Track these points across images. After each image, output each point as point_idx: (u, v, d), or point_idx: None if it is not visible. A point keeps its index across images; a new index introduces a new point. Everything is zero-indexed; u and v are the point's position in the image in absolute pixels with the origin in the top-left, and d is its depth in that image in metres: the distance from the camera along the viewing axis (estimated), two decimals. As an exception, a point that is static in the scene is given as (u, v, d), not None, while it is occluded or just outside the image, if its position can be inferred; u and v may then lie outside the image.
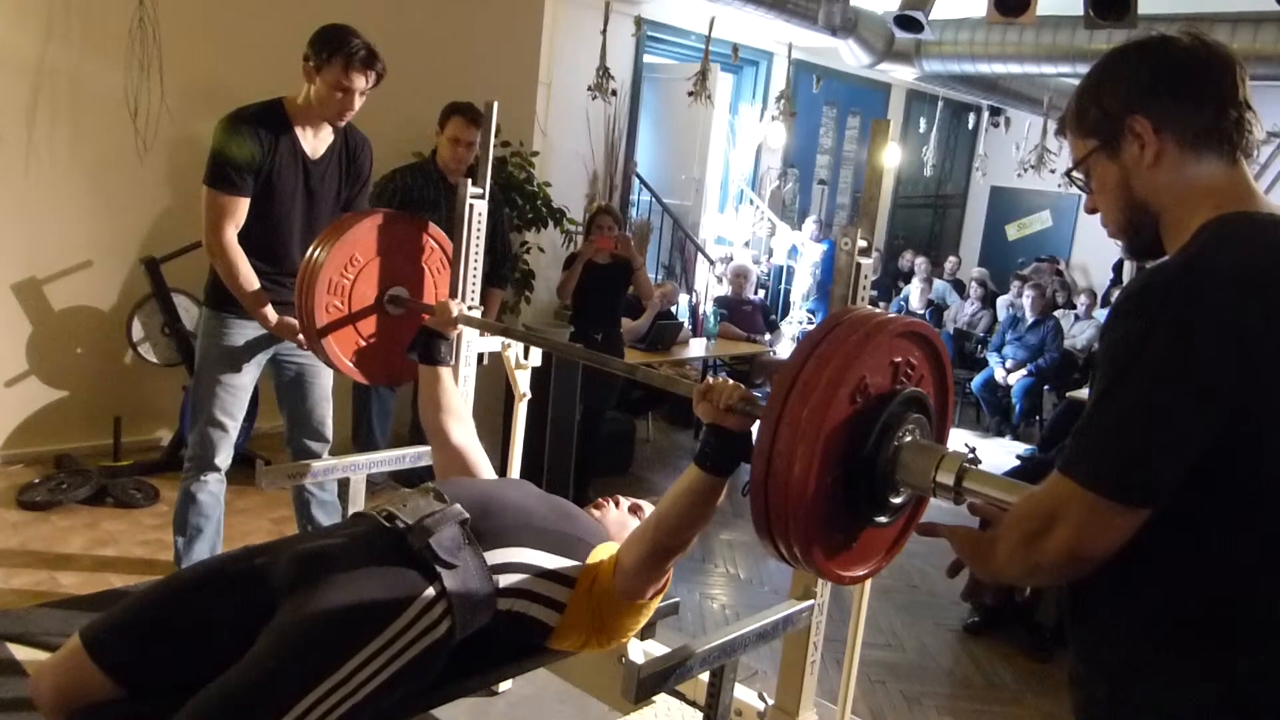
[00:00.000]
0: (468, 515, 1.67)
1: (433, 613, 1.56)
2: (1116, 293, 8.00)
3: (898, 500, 1.36)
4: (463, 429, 2.12)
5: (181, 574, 1.79)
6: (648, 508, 2.03)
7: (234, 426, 2.68)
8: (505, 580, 1.67)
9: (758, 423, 1.42)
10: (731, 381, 1.54)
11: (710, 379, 1.57)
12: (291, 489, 2.80)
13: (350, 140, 2.65)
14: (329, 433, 2.82)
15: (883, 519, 1.37)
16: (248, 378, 2.65)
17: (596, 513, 1.94)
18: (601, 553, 1.78)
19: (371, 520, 1.71)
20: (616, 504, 1.99)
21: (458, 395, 2.21)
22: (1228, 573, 1.00)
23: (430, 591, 1.57)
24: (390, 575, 1.57)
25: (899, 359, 1.37)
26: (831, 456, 1.26)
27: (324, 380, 2.76)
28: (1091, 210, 1.17)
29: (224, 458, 2.68)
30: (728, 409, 1.50)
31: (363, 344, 2.37)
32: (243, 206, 2.48)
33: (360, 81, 2.43)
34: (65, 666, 1.52)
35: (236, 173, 2.45)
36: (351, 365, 2.36)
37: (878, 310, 1.43)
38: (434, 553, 1.59)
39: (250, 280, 2.50)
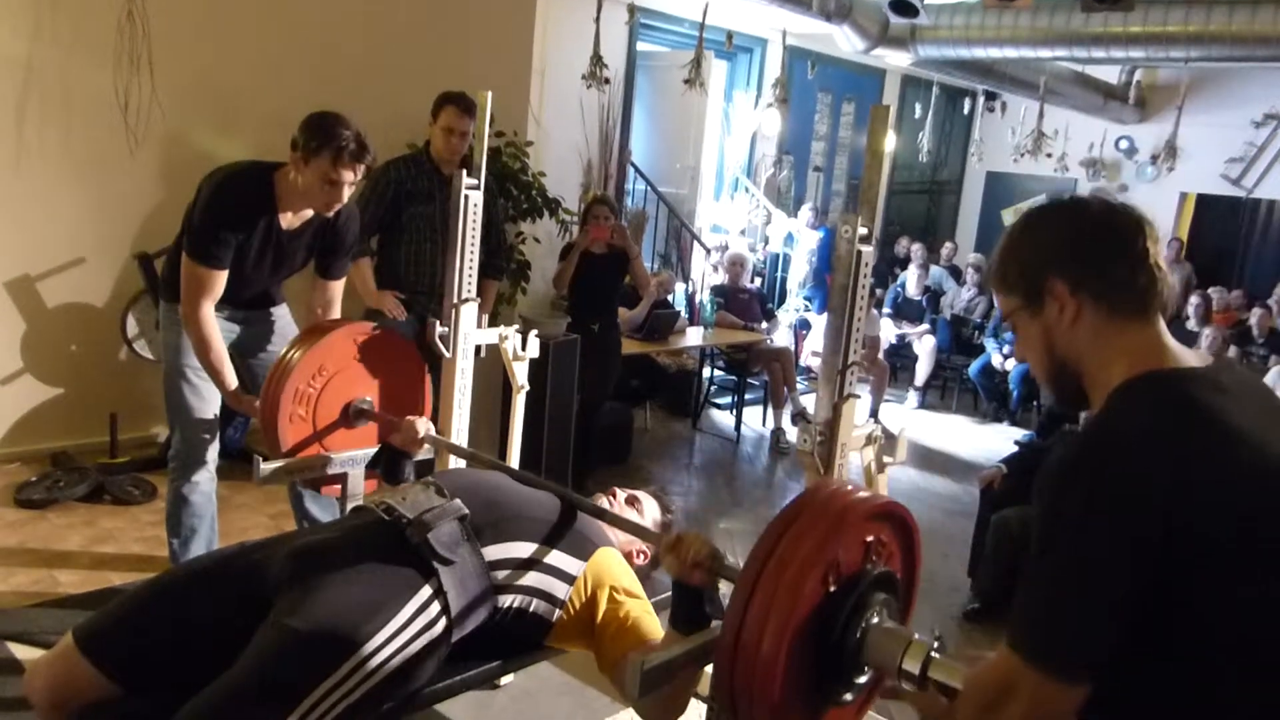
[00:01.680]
0: (467, 511, 1.66)
1: (429, 611, 1.55)
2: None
3: (862, 680, 1.36)
4: None
5: (175, 571, 1.78)
6: (645, 499, 2.02)
7: (212, 417, 2.64)
8: (504, 576, 1.66)
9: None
10: (701, 538, 1.52)
11: (679, 533, 1.54)
12: (287, 484, 2.79)
13: (335, 215, 2.54)
14: None
15: (848, 696, 1.37)
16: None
17: (603, 502, 1.93)
18: (603, 558, 1.77)
19: (370, 514, 1.70)
20: (614, 496, 1.98)
21: None
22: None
23: (427, 589, 1.56)
24: (387, 573, 1.56)
25: (870, 538, 1.37)
26: (801, 635, 1.26)
27: None
28: (1020, 360, 1.20)
29: (210, 452, 2.65)
30: (694, 565, 1.48)
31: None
32: (221, 279, 2.43)
33: (349, 175, 2.35)
34: (59, 664, 1.52)
35: (218, 248, 2.39)
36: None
37: (850, 486, 1.43)
38: (432, 549, 1.58)
39: (221, 359, 2.47)
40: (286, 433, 2.26)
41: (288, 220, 2.50)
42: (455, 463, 2.34)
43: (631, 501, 1.99)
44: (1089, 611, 0.98)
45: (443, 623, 1.56)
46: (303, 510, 2.82)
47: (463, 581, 1.60)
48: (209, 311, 2.44)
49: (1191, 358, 1.10)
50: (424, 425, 2.18)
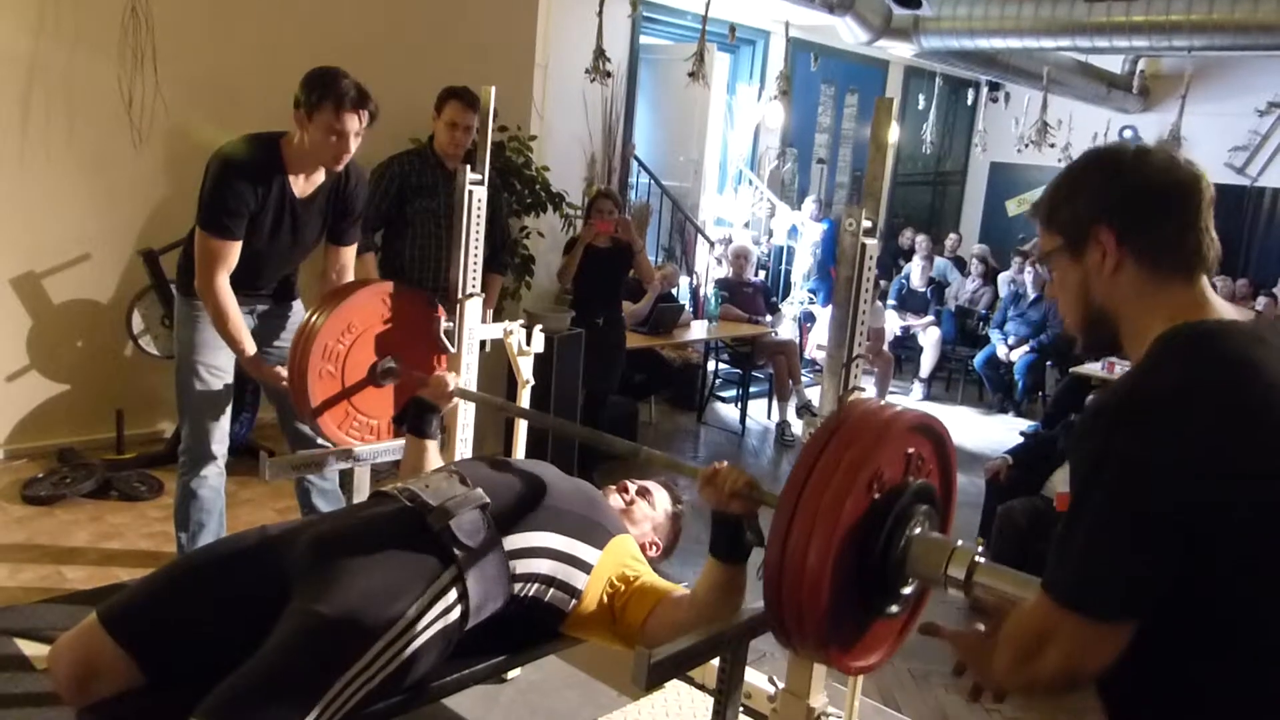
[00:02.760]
0: (489, 500, 1.67)
1: (447, 598, 1.56)
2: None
3: (908, 591, 1.38)
4: None
5: (198, 553, 1.79)
6: (656, 490, 2.03)
7: (223, 413, 2.65)
8: (523, 566, 1.67)
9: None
10: (737, 468, 1.54)
11: (716, 464, 1.57)
12: (293, 479, 2.79)
13: (345, 178, 2.57)
14: None
15: (894, 609, 1.39)
16: (229, 361, 2.62)
17: (616, 498, 1.95)
18: (619, 545, 1.78)
19: (393, 501, 1.70)
20: (625, 490, 1.99)
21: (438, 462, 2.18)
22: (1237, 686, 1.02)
23: (446, 576, 1.57)
24: (408, 560, 1.57)
25: (912, 450, 1.38)
26: (847, 546, 1.27)
27: None
28: (1051, 298, 1.19)
29: (219, 447, 2.66)
30: (732, 494, 1.51)
31: (352, 414, 2.36)
32: (235, 250, 2.43)
33: (353, 123, 2.35)
34: (82, 641, 1.53)
35: (230, 218, 2.40)
36: (344, 436, 2.35)
37: (886, 403, 1.45)
38: (453, 535, 1.59)
39: (239, 327, 2.47)
40: (315, 389, 2.25)
41: (299, 187, 2.50)
42: (463, 450, 2.35)
43: (643, 493, 2.00)
44: (1127, 558, 0.97)
45: (459, 609, 1.58)
46: (309, 505, 2.83)
47: (482, 569, 1.60)
48: (224, 282, 2.43)
49: (1233, 313, 1.09)
50: (453, 379, 2.19)
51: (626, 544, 1.81)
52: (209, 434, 2.63)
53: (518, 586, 1.67)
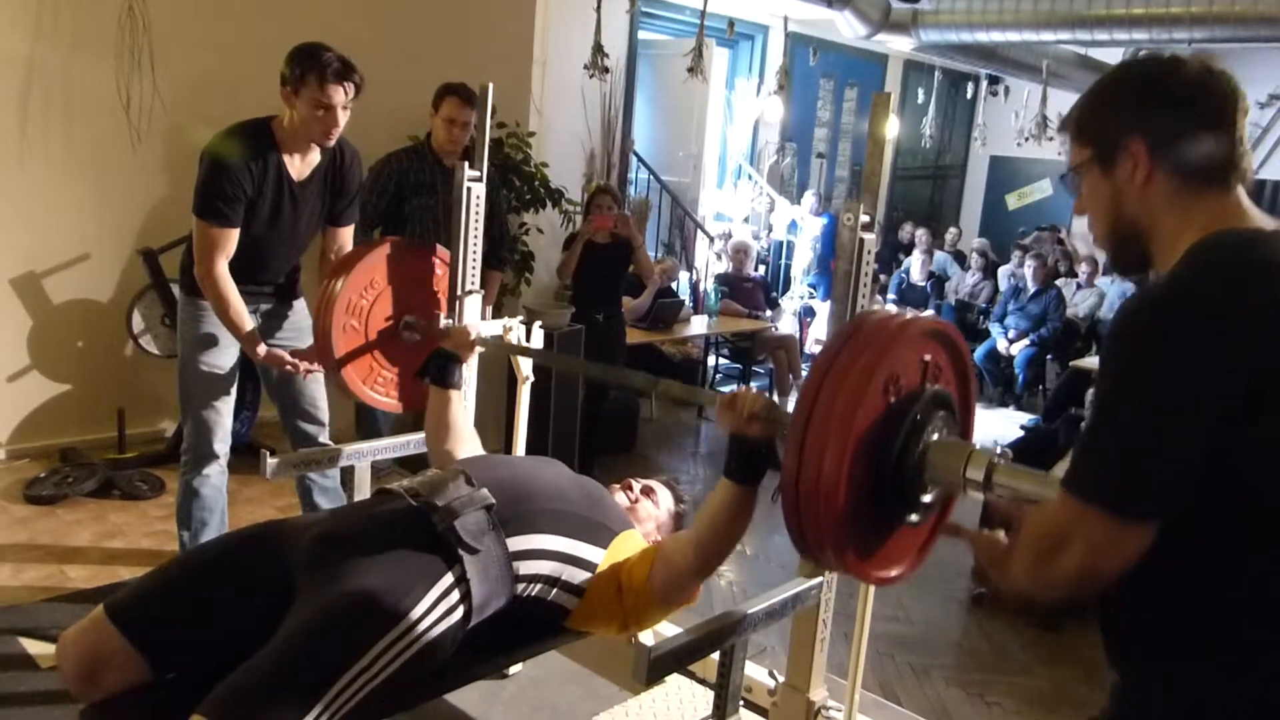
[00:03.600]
0: (494, 501, 1.67)
1: (450, 598, 1.56)
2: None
3: (928, 499, 1.36)
4: (467, 450, 2.11)
5: (204, 547, 1.80)
6: (660, 490, 2.04)
7: (226, 411, 2.65)
8: (526, 567, 1.67)
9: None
10: (755, 391, 1.55)
11: (733, 391, 1.58)
12: (294, 477, 2.80)
13: (340, 157, 2.59)
14: (324, 415, 2.80)
15: (914, 518, 1.38)
16: (231, 360, 2.63)
17: (621, 496, 1.96)
18: (624, 541, 1.79)
19: (397, 499, 1.70)
20: (629, 489, 1.99)
21: (467, 419, 2.19)
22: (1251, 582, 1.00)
23: (450, 576, 1.57)
24: (413, 559, 1.57)
25: (928, 357, 1.37)
26: (863, 451, 1.26)
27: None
28: (1079, 213, 1.17)
29: (221, 445, 2.66)
30: (751, 417, 1.51)
31: (376, 369, 2.36)
32: (233, 237, 2.44)
33: (339, 95, 2.36)
34: (88, 634, 1.53)
35: (226, 204, 2.40)
36: (368, 391, 2.35)
37: (899, 311, 1.44)
38: (458, 536, 1.59)
39: (240, 313, 2.48)
40: (339, 341, 2.26)
41: (296, 168, 2.51)
42: (471, 449, 2.34)
43: (647, 492, 2.01)
44: (1156, 457, 0.96)
45: (462, 609, 1.58)
46: (310, 503, 2.84)
47: (485, 570, 1.60)
48: (224, 269, 2.44)
49: (1270, 223, 1.07)
50: (474, 329, 2.19)
51: (631, 539, 1.82)
52: (211, 432, 2.63)
53: (520, 587, 1.67)
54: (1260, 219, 1.06)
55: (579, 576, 1.72)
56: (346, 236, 2.71)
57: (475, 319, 2.27)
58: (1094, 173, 1.11)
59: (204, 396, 2.61)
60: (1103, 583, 1.01)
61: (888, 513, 1.34)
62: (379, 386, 2.38)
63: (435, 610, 1.54)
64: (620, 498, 1.96)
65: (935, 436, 1.33)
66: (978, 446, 1.31)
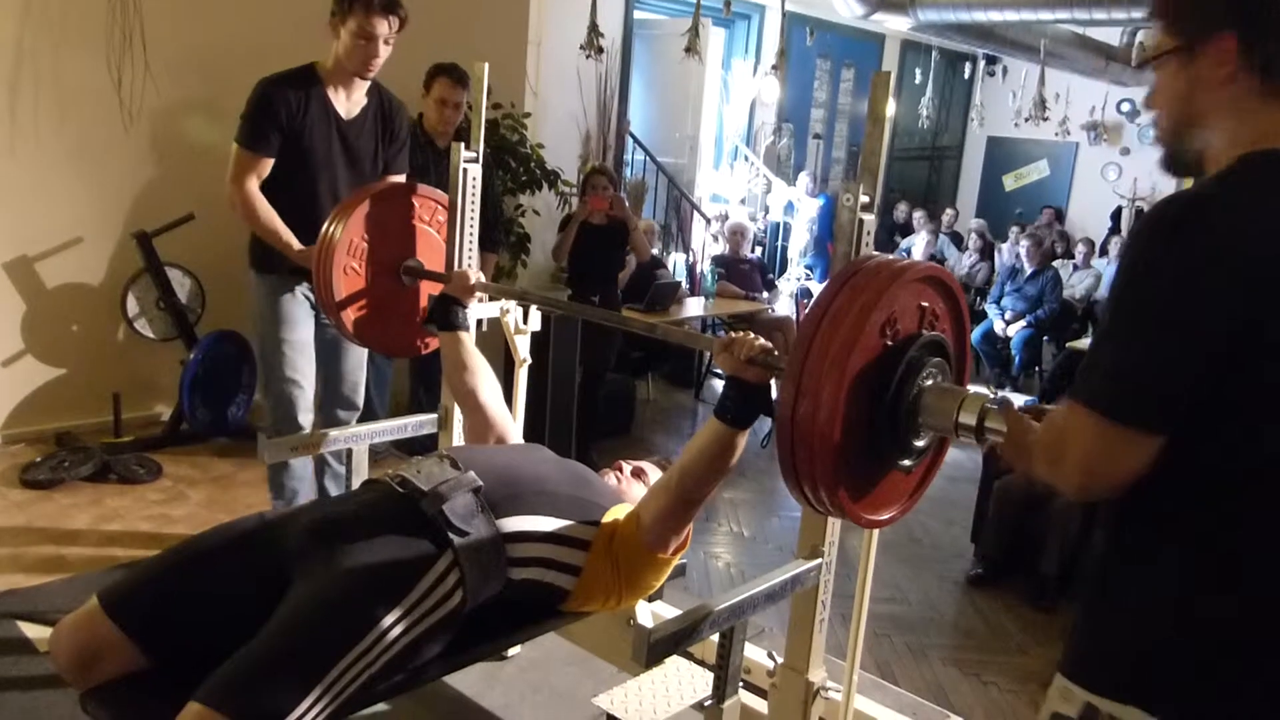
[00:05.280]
0: (481, 483, 1.67)
1: (446, 583, 1.56)
2: (1116, 241, 7.96)
3: (920, 443, 1.38)
4: (490, 387, 2.13)
5: (198, 539, 1.79)
6: (650, 469, 2.03)
7: (307, 384, 2.72)
8: (519, 550, 1.66)
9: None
10: (753, 335, 1.55)
11: (733, 333, 1.58)
12: (314, 457, 2.81)
13: (385, 101, 2.68)
14: (360, 399, 2.86)
15: (907, 462, 1.39)
16: (308, 332, 2.69)
17: (611, 478, 1.95)
18: (616, 514, 1.78)
19: (384, 486, 1.70)
20: (620, 470, 1.99)
21: (480, 357, 2.19)
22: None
23: (443, 562, 1.56)
24: (404, 544, 1.57)
25: (925, 304, 1.38)
26: (859, 389, 1.27)
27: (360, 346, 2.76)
28: (1148, 107, 1.15)
29: (305, 416, 2.72)
30: (748, 360, 1.52)
31: (370, 312, 2.35)
32: (265, 166, 2.51)
33: (382, 27, 2.44)
34: (83, 624, 1.53)
35: (261, 131, 2.48)
36: (352, 332, 2.34)
37: (897, 256, 1.47)
38: (447, 519, 1.59)
39: (271, 218, 2.52)
40: (340, 284, 2.26)
41: (342, 105, 2.58)
42: (489, 384, 2.30)
43: (638, 474, 2.00)
44: (1159, 365, 0.95)
45: (459, 594, 1.57)
46: (321, 486, 2.85)
47: (478, 553, 1.60)
48: (252, 186, 2.50)
49: None
50: (475, 274, 2.21)
51: (619, 513, 1.80)
52: (294, 405, 2.69)
53: (514, 571, 1.67)
54: None
55: (573, 556, 1.71)
56: None
57: (477, 276, 2.26)
58: (1173, 64, 1.08)
59: (286, 370, 2.67)
60: (1106, 489, 1.01)
61: (881, 454, 1.36)
62: (366, 328, 2.36)
63: (431, 596, 1.54)
64: (610, 480, 1.96)
65: (930, 382, 1.35)
66: (971, 392, 1.33)
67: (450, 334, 2.17)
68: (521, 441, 2.14)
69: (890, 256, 1.43)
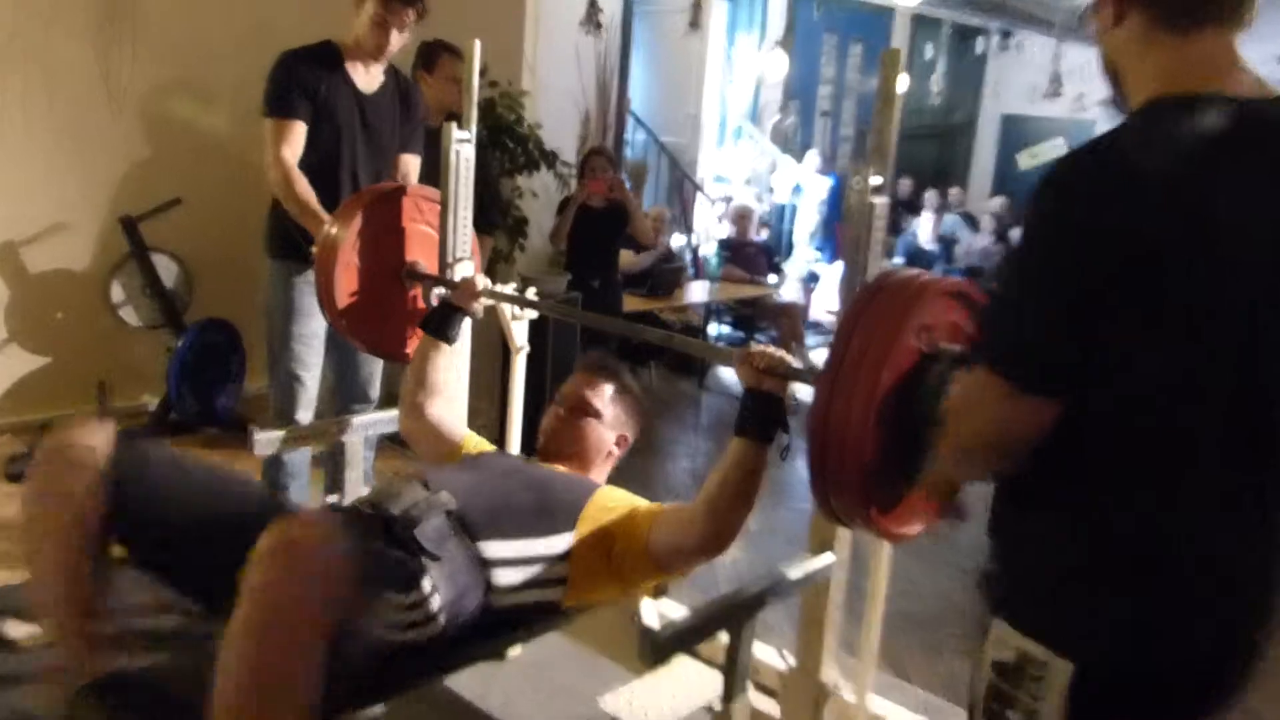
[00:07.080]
0: (454, 505, 1.62)
1: (425, 606, 1.49)
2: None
3: None
4: (440, 406, 2.07)
5: (231, 479, 1.78)
6: (588, 392, 1.93)
7: (312, 378, 2.69)
8: (499, 577, 1.62)
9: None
10: (772, 348, 1.56)
11: (750, 346, 1.59)
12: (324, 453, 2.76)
13: (401, 80, 2.71)
14: (375, 392, 2.82)
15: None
16: (320, 327, 2.64)
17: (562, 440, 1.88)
18: (596, 507, 1.72)
19: (353, 512, 1.66)
20: (561, 421, 1.91)
21: (450, 378, 2.14)
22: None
23: (420, 584, 1.51)
24: (378, 569, 1.50)
25: (954, 319, 1.37)
26: (890, 401, 1.27)
27: None
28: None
29: (305, 413, 2.69)
30: (766, 369, 1.51)
31: (368, 313, 2.30)
32: (298, 131, 2.48)
33: (395, 17, 2.46)
34: (74, 471, 1.56)
35: (285, 95, 2.47)
36: (349, 331, 2.30)
37: (920, 271, 1.47)
38: (419, 545, 1.54)
39: (307, 191, 2.47)
40: (342, 280, 2.21)
41: (361, 79, 2.59)
42: (444, 408, 2.25)
43: (577, 411, 1.91)
44: (1030, 326, 0.96)
45: (440, 619, 1.52)
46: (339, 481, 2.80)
47: (452, 577, 1.55)
48: (289, 156, 2.48)
49: (1250, 85, 0.97)
50: (482, 280, 2.16)
51: (604, 499, 1.76)
52: (296, 399, 2.66)
53: (497, 597, 1.62)
54: (1234, 77, 0.97)
55: (555, 569, 1.67)
56: (412, 164, 2.73)
57: (484, 283, 2.21)
58: (1094, 15, 1.07)
59: (292, 363, 2.64)
60: (1004, 454, 1.00)
61: (910, 465, 1.35)
62: (373, 332, 2.33)
63: (406, 617, 1.49)
64: (565, 437, 1.88)
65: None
66: None
67: (434, 342, 2.11)
68: (468, 431, 2.10)
69: (912, 271, 1.44)
